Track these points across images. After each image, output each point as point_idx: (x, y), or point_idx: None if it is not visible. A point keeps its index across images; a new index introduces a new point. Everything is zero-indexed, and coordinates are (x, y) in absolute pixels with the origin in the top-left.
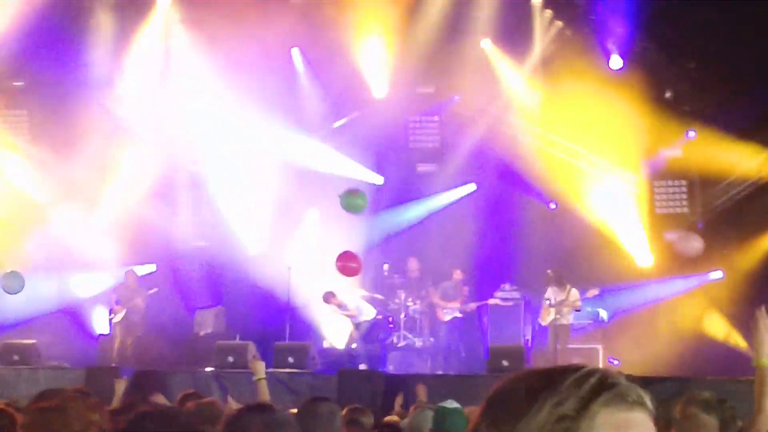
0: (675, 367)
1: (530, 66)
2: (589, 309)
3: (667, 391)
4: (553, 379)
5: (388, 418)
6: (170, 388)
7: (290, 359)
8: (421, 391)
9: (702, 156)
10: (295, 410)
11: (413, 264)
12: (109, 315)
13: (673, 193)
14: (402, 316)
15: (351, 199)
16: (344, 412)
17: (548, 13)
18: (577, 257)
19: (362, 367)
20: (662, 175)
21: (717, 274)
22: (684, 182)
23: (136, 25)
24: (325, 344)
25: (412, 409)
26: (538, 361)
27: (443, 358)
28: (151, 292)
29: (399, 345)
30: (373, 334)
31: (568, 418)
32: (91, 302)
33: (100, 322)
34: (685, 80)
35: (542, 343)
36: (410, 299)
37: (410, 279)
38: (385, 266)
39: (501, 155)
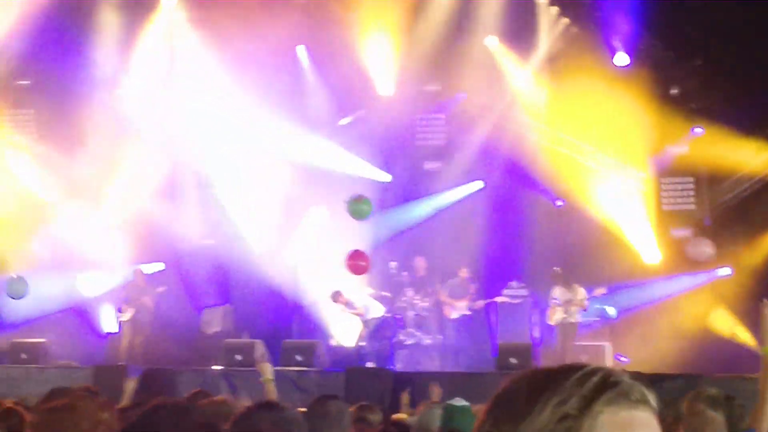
0: (683, 364)
1: (536, 63)
2: (596, 306)
3: (675, 388)
4: (555, 378)
5: (396, 416)
6: (178, 387)
7: (298, 357)
8: (435, 391)
9: (709, 153)
10: (303, 409)
11: (420, 262)
12: (117, 314)
13: (680, 190)
14: (410, 313)
15: (356, 205)
16: (352, 409)
17: (554, 10)
18: (585, 255)
19: (370, 365)
20: (669, 172)
21: (725, 271)
22: (691, 179)
23: (142, 23)
24: (333, 342)
25: (420, 407)
26: (547, 359)
27: (451, 355)
28: (159, 290)
29: (407, 343)
30: (380, 331)
31: (571, 418)
32: (99, 301)
33: (108, 321)
34: (691, 77)
35: (550, 341)
36: (418, 297)
37: (417, 277)
38: (393, 264)
39: (507, 153)
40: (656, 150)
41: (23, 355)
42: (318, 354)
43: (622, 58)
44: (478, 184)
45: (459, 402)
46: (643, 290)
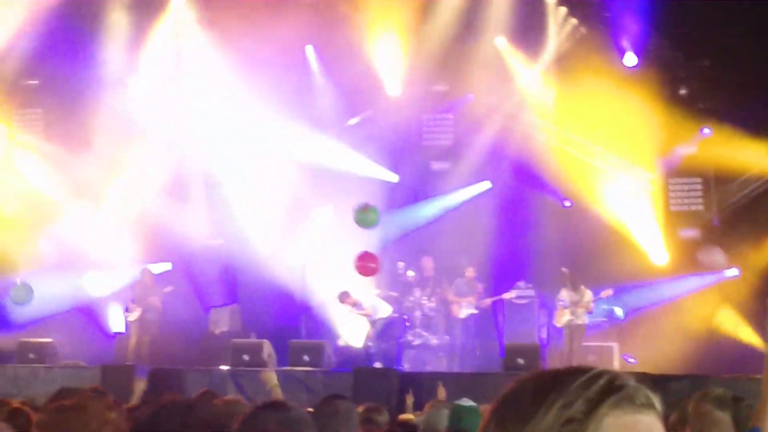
0: (691, 365)
1: (544, 64)
2: (604, 307)
3: (683, 389)
4: (561, 380)
5: (403, 417)
6: (186, 387)
7: (305, 357)
8: (441, 391)
9: (717, 153)
10: (310, 409)
11: (428, 262)
12: (125, 313)
13: (688, 190)
14: (417, 314)
15: (363, 214)
16: (359, 410)
17: (563, 10)
18: (592, 255)
19: (377, 365)
20: (677, 173)
21: (733, 272)
22: (699, 180)
23: (150, 23)
24: (341, 342)
25: (427, 407)
26: (554, 360)
27: (458, 356)
28: (167, 290)
29: (414, 343)
30: (388, 332)
31: (576, 421)
32: (106, 301)
33: (115, 321)
34: (699, 77)
35: (558, 341)
36: (425, 297)
37: (425, 277)
38: (400, 264)
39: (515, 153)
40: (664, 150)
41: (31, 355)
42: (325, 354)
43: (630, 59)
44: (486, 185)
45: (466, 402)
46: (650, 291)
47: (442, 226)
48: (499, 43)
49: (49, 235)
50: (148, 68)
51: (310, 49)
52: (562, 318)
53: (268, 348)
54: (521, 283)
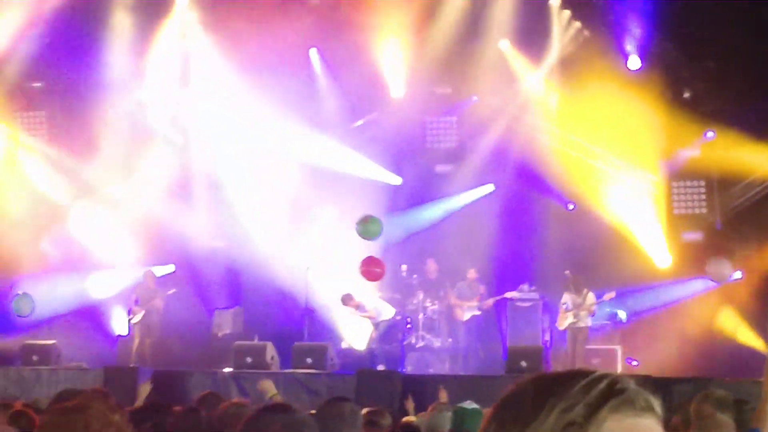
0: (694, 367)
1: (548, 66)
2: (607, 310)
3: (686, 392)
4: (561, 384)
5: (406, 419)
6: (188, 389)
7: (309, 360)
8: (443, 394)
9: (720, 156)
10: (312, 411)
11: (431, 265)
12: (128, 316)
13: (692, 193)
14: (420, 316)
15: (365, 226)
16: (363, 413)
17: (566, 13)
18: (596, 258)
19: (380, 367)
20: (680, 176)
21: (736, 275)
22: (702, 183)
23: (155, 26)
24: (344, 345)
25: (430, 409)
26: (557, 362)
27: (462, 358)
28: (170, 292)
29: (417, 346)
30: (391, 334)
31: (576, 425)
32: (109, 303)
33: (118, 323)
34: (703, 80)
35: (561, 344)
36: (428, 300)
37: (428, 279)
38: (403, 267)
39: (519, 156)
40: (668, 153)
41: (34, 357)
42: (329, 356)
43: (634, 62)
44: (489, 187)
45: (470, 405)
46: (653, 294)
47: (446, 229)
48: (502, 45)
49: (53, 237)
50: (152, 71)
51: (314, 52)
52: (565, 321)
53: (271, 351)
54: (524, 286)
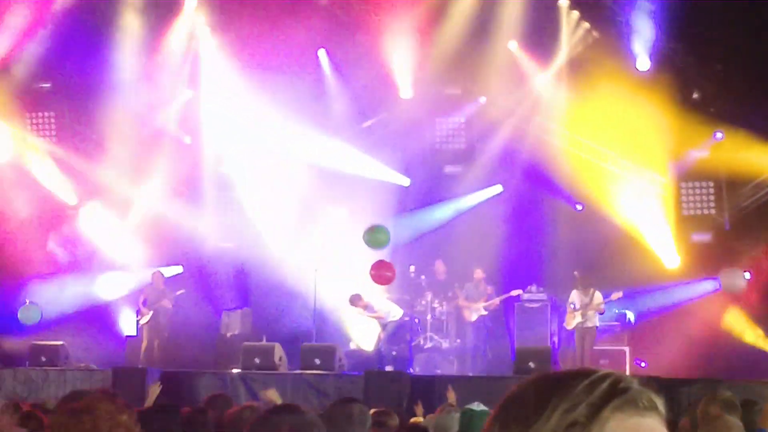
0: (703, 369)
1: (557, 67)
2: (616, 310)
3: (694, 393)
4: (564, 383)
5: (413, 420)
6: (197, 390)
7: (317, 361)
8: (451, 395)
9: (729, 157)
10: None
11: (440, 266)
12: (136, 316)
13: (700, 194)
14: (428, 317)
15: (372, 235)
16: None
17: (575, 14)
18: (604, 259)
19: (388, 368)
20: (689, 177)
21: (745, 276)
22: (711, 184)
23: (164, 26)
24: (352, 346)
25: (438, 410)
26: (566, 363)
27: (470, 359)
28: (178, 293)
29: (426, 346)
30: (399, 335)
31: (579, 425)
32: (118, 304)
33: (127, 324)
34: (712, 82)
35: (569, 345)
36: (436, 301)
37: (437, 280)
38: (412, 267)
39: (528, 157)
40: (677, 154)
41: (42, 358)
42: (337, 357)
43: (643, 63)
44: (498, 188)
45: (478, 406)
46: (662, 295)
47: (454, 230)
48: (511, 46)
49: (61, 238)
50: (161, 72)
51: (322, 53)
52: (572, 320)
53: (279, 351)
54: (533, 287)
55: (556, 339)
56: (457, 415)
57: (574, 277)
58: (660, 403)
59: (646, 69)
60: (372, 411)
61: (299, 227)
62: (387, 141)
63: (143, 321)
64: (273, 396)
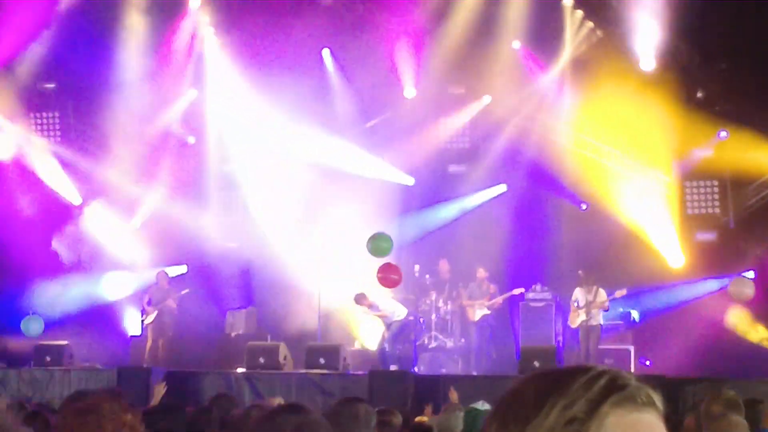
0: (708, 367)
1: (561, 67)
2: (620, 309)
3: (699, 392)
4: (562, 381)
5: (418, 419)
6: (202, 389)
7: (321, 360)
8: (453, 394)
9: (733, 156)
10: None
11: (444, 265)
12: (141, 316)
13: (705, 193)
14: (433, 317)
15: (375, 243)
16: None
17: (579, 14)
18: (609, 258)
19: (393, 368)
20: (694, 176)
21: (749, 275)
22: (715, 182)
23: (168, 27)
24: (357, 345)
25: (443, 409)
26: (570, 362)
27: (474, 359)
28: (183, 293)
29: (430, 346)
30: (403, 334)
31: (578, 421)
32: (122, 303)
33: (131, 323)
34: (716, 81)
35: (574, 344)
36: (441, 300)
37: (441, 280)
38: (416, 267)
39: (532, 156)
40: (681, 153)
41: (47, 358)
42: (341, 357)
43: (647, 62)
44: (502, 188)
45: (482, 405)
46: (667, 293)
47: (459, 229)
48: (515, 46)
49: (66, 237)
50: (165, 71)
51: (326, 52)
52: (577, 319)
53: (284, 351)
54: (537, 286)
55: (560, 338)
56: (461, 414)
57: (578, 276)
58: (658, 399)
59: (650, 68)
60: (375, 410)
61: (303, 227)
62: (391, 140)
63: (148, 321)
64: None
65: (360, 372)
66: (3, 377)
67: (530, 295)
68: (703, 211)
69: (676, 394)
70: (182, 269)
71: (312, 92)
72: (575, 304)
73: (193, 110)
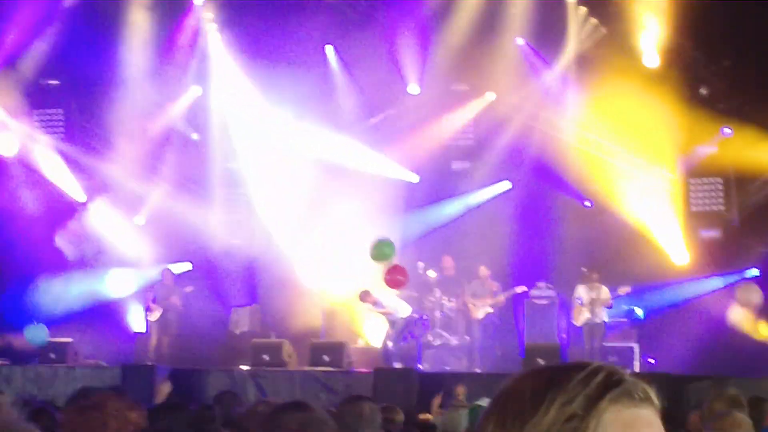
0: (712, 365)
1: (565, 64)
2: (625, 307)
3: (704, 389)
4: (559, 377)
5: (422, 416)
6: (206, 387)
7: (326, 358)
8: (461, 392)
9: (738, 153)
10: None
11: (448, 262)
12: (146, 313)
13: (709, 190)
14: (437, 314)
15: (377, 249)
16: None
17: (583, 10)
18: (613, 255)
19: (397, 365)
20: (698, 173)
21: (753, 272)
22: (720, 180)
23: (172, 23)
24: (361, 342)
25: (448, 406)
26: (574, 360)
27: (478, 356)
28: (187, 290)
29: (434, 343)
30: (407, 331)
31: (577, 418)
32: (127, 300)
33: (136, 321)
34: (720, 78)
35: (578, 341)
36: (445, 297)
37: (445, 277)
38: (420, 264)
39: (536, 153)
40: (685, 150)
41: (52, 355)
42: (346, 354)
43: (651, 59)
44: (506, 185)
45: (486, 403)
46: (671, 291)
47: (463, 226)
48: (519, 42)
49: (70, 234)
50: (169, 68)
51: (330, 49)
52: (581, 317)
53: (288, 348)
54: (541, 284)
55: (564, 335)
56: (465, 412)
57: (582, 273)
58: (654, 394)
59: (654, 65)
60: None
61: (307, 224)
62: (395, 137)
63: (152, 318)
64: None
65: (364, 369)
66: (8, 374)
67: (534, 292)
68: (708, 208)
69: (680, 392)
70: (187, 266)
71: (316, 89)
72: (578, 302)
73: (196, 107)
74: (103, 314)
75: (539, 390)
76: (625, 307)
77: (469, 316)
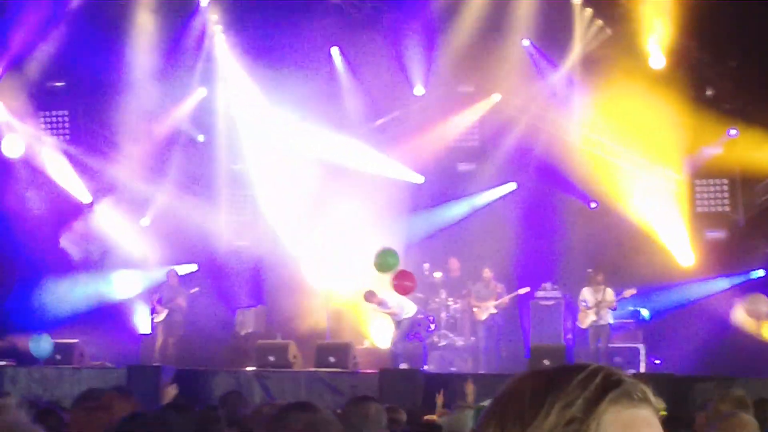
0: (718, 366)
1: (571, 65)
2: (630, 308)
3: (709, 390)
4: (558, 379)
5: (427, 417)
6: (211, 388)
7: (331, 359)
8: (470, 389)
9: (743, 154)
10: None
11: (454, 263)
12: (151, 314)
13: (715, 191)
14: (442, 315)
15: (381, 259)
16: None
17: (589, 11)
18: (619, 256)
19: (403, 366)
20: (703, 174)
21: (759, 273)
22: (725, 180)
23: (177, 25)
24: (366, 343)
25: (453, 407)
26: (580, 361)
27: (484, 357)
28: (193, 291)
29: (440, 344)
30: (413, 332)
31: (577, 420)
32: (133, 302)
33: (142, 322)
34: (726, 79)
35: (584, 343)
36: (450, 298)
37: (451, 278)
38: (426, 265)
39: (541, 154)
40: (691, 151)
41: (57, 356)
42: (351, 355)
43: (656, 60)
44: (512, 186)
45: None
46: (676, 292)
47: (468, 228)
48: (525, 44)
49: (75, 236)
50: (174, 70)
51: (335, 51)
52: (586, 319)
53: (293, 350)
54: (547, 285)
55: (570, 336)
56: (470, 412)
57: (588, 274)
58: (651, 394)
59: (660, 66)
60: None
61: (313, 225)
62: (400, 139)
63: (158, 319)
64: None
65: (370, 370)
66: (13, 375)
67: (540, 293)
68: (713, 209)
69: (686, 393)
70: (192, 268)
71: (321, 91)
72: (583, 305)
73: (202, 108)
74: (108, 315)
75: (539, 392)
76: (630, 308)
77: (474, 317)
